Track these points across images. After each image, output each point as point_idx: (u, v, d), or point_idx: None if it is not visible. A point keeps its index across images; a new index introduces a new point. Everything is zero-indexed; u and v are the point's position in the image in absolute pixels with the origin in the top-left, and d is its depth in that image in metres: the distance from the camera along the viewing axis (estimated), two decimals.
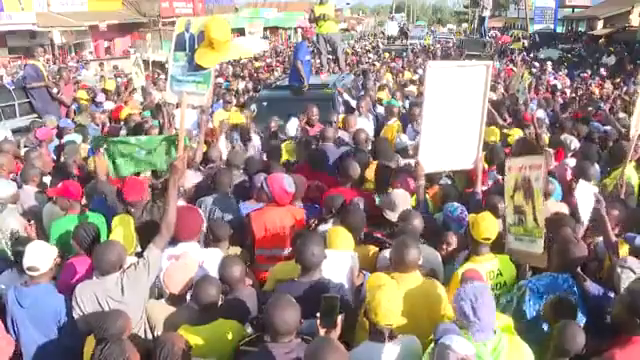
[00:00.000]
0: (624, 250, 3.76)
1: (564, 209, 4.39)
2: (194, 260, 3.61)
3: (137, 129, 6.88)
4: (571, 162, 5.59)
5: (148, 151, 4.33)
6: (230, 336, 3.05)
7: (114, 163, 4.42)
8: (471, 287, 2.77)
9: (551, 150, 5.71)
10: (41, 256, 3.42)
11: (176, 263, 3.54)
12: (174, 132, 5.85)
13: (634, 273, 3.20)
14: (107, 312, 3.04)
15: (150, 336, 3.32)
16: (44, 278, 3.45)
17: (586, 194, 3.77)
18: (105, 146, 4.45)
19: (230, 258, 3.57)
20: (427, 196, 4.64)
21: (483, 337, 2.67)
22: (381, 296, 2.74)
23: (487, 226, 3.61)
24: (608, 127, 7.43)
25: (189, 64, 3.84)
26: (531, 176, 3.63)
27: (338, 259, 3.57)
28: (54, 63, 21.44)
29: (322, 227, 4.09)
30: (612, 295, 3.28)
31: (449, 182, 5.26)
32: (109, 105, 9.73)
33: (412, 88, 11.32)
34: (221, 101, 9.07)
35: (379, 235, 4.00)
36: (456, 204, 4.30)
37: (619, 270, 3.26)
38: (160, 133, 6.40)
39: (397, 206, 4.11)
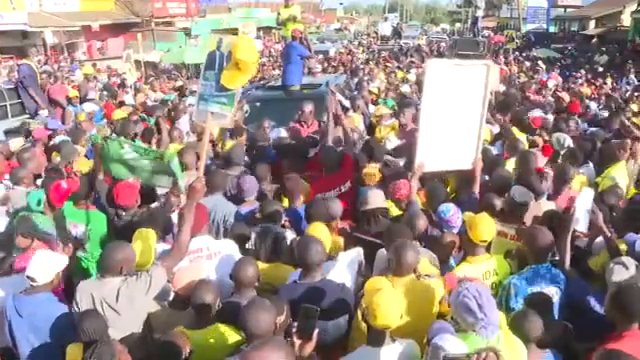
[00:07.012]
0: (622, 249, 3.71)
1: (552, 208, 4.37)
2: (204, 266, 3.61)
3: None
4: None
5: (144, 161, 4.29)
6: (225, 341, 2.98)
7: (107, 164, 4.40)
8: (472, 285, 2.76)
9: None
10: (42, 268, 3.27)
11: (189, 266, 3.52)
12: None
13: (626, 268, 3.21)
14: (85, 312, 2.98)
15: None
16: (43, 288, 3.27)
17: (584, 203, 3.68)
18: (101, 144, 4.42)
19: (246, 258, 3.45)
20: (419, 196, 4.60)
21: (489, 333, 2.64)
22: (379, 298, 2.71)
23: (484, 228, 3.59)
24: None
25: (216, 84, 3.82)
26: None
27: (347, 258, 3.60)
28: (46, 63, 21.25)
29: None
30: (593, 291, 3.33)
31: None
32: (89, 107, 9.59)
33: (406, 88, 11.30)
34: None
35: (367, 237, 3.95)
36: (450, 205, 4.15)
37: (612, 265, 3.28)
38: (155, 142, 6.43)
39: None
